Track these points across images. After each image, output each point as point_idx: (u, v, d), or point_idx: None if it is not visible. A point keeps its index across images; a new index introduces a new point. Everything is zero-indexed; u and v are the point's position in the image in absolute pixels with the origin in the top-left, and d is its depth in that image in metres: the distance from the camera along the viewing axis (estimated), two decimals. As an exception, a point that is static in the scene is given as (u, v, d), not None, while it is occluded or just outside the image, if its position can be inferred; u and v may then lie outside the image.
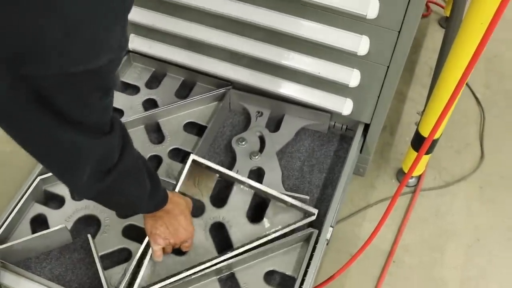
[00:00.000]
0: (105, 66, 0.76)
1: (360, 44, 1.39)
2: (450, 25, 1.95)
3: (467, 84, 2.10)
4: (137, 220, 1.42)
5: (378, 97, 1.52)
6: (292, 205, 1.46)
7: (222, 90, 1.70)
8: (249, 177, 1.54)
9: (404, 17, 1.30)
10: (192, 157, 1.49)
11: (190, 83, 1.77)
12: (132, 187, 1.06)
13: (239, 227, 1.44)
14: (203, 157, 1.54)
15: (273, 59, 1.53)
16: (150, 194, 1.13)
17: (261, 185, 1.48)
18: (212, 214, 1.47)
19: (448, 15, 2.24)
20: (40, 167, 1.49)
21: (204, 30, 1.57)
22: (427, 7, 2.41)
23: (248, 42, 1.54)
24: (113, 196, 1.05)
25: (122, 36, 0.76)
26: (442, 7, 2.41)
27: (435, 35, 2.31)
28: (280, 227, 1.44)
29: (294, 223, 1.44)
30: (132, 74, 1.79)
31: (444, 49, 1.80)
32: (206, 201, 1.49)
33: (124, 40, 0.78)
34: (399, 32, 1.33)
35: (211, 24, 1.55)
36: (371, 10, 1.30)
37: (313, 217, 1.44)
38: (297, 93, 1.61)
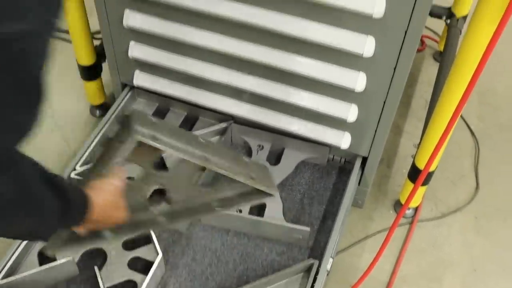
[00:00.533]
0: (14, 41, 0.55)
1: (358, 81, 1.44)
2: (444, 59, 2.02)
3: (461, 116, 2.16)
4: (142, 252, 1.46)
5: (376, 130, 1.57)
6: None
7: (223, 125, 1.75)
8: (251, 209, 1.58)
9: (399, 54, 1.36)
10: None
11: (192, 117, 1.82)
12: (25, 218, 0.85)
13: None
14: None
15: (273, 95, 1.59)
16: (62, 213, 0.90)
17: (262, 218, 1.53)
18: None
19: (442, 50, 2.31)
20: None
21: (206, 66, 1.63)
22: (422, 41, 2.48)
23: (248, 78, 1.60)
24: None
25: (45, 5, 0.59)
26: (436, 41, 2.49)
27: (430, 69, 2.37)
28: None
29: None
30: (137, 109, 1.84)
31: (439, 83, 1.87)
32: None
33: (53, 15, 0.60)
34: (394, 68, 1.39)
35: (212, 61, 1.61)
36: (368, 49, 1.36)
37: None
38: (296, 127, 1.66)
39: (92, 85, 1.99)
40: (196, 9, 1.46)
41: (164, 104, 1.84)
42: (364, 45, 1.36)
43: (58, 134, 2.07)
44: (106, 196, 1.05)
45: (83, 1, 1.74)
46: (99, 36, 1.78)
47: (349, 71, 1.44)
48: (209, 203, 1.29)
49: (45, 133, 2.06)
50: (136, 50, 1.67)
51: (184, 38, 1.56)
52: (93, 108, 2.10)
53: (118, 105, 1.80)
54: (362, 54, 1.37)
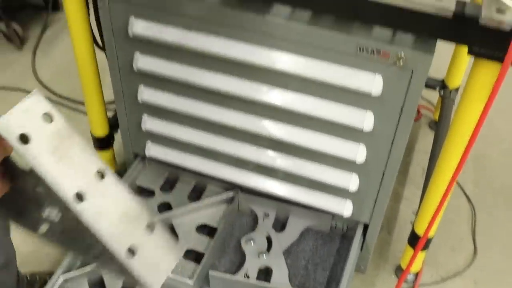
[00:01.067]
0: None
1: (358, 152, 1.54)
2: (439, 129, 2.13)
3: (457, 182, 2.25)
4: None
5: (376, 198, 1.65)
6: None
7: (230, 194, 1.84)
8: (258, 275, 1.64)
9: (397, 127, 1.46)
10: None
11: (201, 187, 1.91)
12: None
13: None
14: (216, 259, 1.64)
15: (277, 165, 1.68)
16: None
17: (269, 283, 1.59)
18: None
19: (437, 119, 2.42)
20: (63, 266, 1.60)
21: (214, 138, 1.72)
22: (418, 111, 2.59)
23: (253, 150, 1.70)
24: None
25: None
26: (431, 111, 2.60)
27: (426, 138, 2.48)
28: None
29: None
30: (147, 179, 1.93)
31: (435, 151, 1.97)
32: None
33: None
34: (393, 140, 1.49)
35: (220, 133, 1.71)
36: (367, 123, 1.46)
37: None
38: (300, 196, 1.74)
39: (104, 154, 2.08)
40: (206, 86, 1.57)
41: (173, 174, 1.93)
42: (364, 119, 1.46)
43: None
44: None
45: (99, 75, 1.85)
46: (112, 106, 1.89)
47: (350, 143, 1.54)
48: None
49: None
50: (149, 123, 1.77)
51: (195, 112, 1.66)
52: (104, 177, 2.18)
53: (130, 175, 1.89)
54: (362, 128, 1.47)
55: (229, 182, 1.82)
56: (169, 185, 1.92)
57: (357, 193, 1.65)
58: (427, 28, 1.23)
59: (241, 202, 1.85)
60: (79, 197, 0.83)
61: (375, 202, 1.67)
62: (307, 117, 1.52)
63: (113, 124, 2.03)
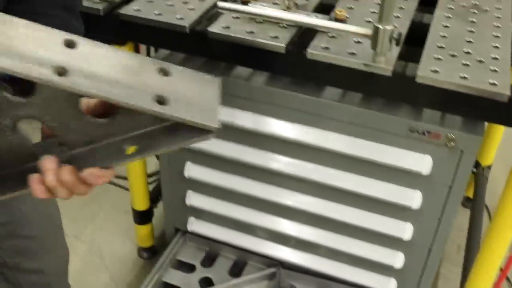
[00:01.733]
0: None
1: (405, 230, 1.55)
2: (475, 207, 2.14)
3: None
4: None
5: (420, 277, 1.65)
6: None
7: (272, 270, 1.84)
8: None
9: (444, 207, 1.48)
10: None
11: (242, 262, 1.91)
12: None
13: None
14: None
15: (320, 241, 1.69)
16: None
17: None
18: None
19: (470, 196, 2.43)
20: None
21: (256, 214, 1.75)
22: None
23: (295, 226, 1.71)
24: None
25: None
26: (462, 187, 2.61)
27: (459, 214, 2.48)
28: None
29: None
30: (188, 253, 1.94)
31: (473, 232, 1.98)
32: None
33: None
34: (439, 219, 1.51)
35: (263, 209, 1.73)
36: (415, 202, 1.48)
37: None
38: (343, 273, 1.74)
39: (144, 228, 2.10)
40: (252, 163, 1.61)
41: (214, 249, 1.94)
42: (412, 198, 1.48)
43: (107, 275, 2.15)
44: None
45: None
46: (151, 179, 1.92)
47: (396, 221, 1.56)
48: (117, 143, 0.83)
49: (94, 273, 2.14)
50: (193, 199, 1.80)
51: (239, 188, 1.69)
52: (141, 250, 2.20)
53: (171, 250, 1.90)
54: (410, 207, 1.49)
55: (271, 258, 1.83)
56: (209, 260, 1.93)
57: (402, 271, 1.65)
58: (480, 112, 1.27)
59: (283, 278, 1.85)
60: (59, 73, 0.72)
61: (419, 281, 1.67)
62: (354, 194, 1.55)
63: (154, 198, 2.06)
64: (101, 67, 0.75)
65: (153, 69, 0.80)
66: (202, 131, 0.79)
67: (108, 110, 0.80)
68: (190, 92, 0.80)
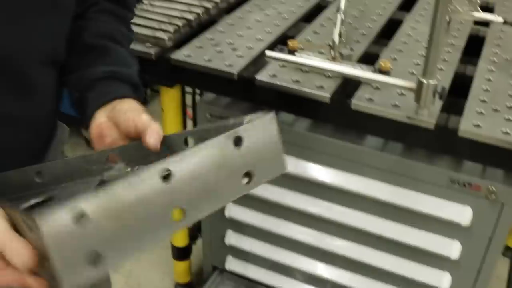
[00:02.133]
0: None
1: (443, 281, 1.55)
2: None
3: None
4: None
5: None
6: None
7: (308, 312, 1.85)
8: None
9: (483, 258, 1.48)
10: None
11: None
12: None
13: None
14: None
15: (356, 287, 1.70)
16: None
17: None
18: None
19: (510, 245, 2.39)
20: None
21: (292, 256, 1.77)
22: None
23: (332, 270, 1.73)
24: None
25: None
26: (501, 235, 2.57)
27: (497, 263, 2.44)
28: None
29: None
30: (225, 292, 1.97)
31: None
32: None
33: None
34: (478, 270, 1.51)
35: (299, 251, 1.75)
36: (454, 253, 1.49)
37: None
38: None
39: (182, 264, 2.13)
40: (292, 207, 1.64)
41: (251, 288, 1.97)
42: (451, 248, 1.49)
43: (144, 309, 2.19)
44: None
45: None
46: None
47: (435, 271, 1.56)
48: None
49: (132, 307, 2.19)
50: (233, 238, 1.84)
51: (279, 231, 1.72)
52: (178, 286, 2.23)
53: (209, 287, 1.93)
54: (449, 257, 1.50)
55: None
56: (246, 302, 1.95)
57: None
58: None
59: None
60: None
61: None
62: (393, 241, 1.56)
63: (193, 235, 2.10)
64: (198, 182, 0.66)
65: (230, 144, 0.69)
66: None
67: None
68: (261, 147, 0.72)
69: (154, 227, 0.62)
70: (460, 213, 1.43)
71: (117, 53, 0.96)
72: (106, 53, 0.94)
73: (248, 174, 0.70)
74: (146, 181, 0.61)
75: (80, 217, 0.57)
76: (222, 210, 1.78)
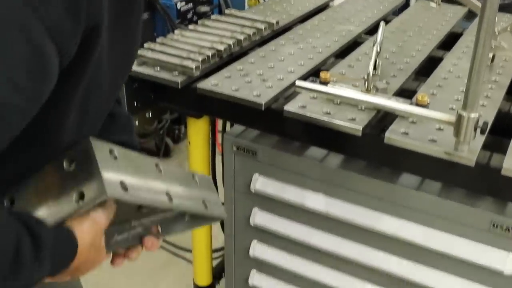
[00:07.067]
0: None
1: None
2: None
3: None
4: None
5: None
6: None
7: None
8: None
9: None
10: None
11: None
12: None
13: None
14: None
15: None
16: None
17: None
18: None
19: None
20: None
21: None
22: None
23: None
24: None
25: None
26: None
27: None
28: None
29: None
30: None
31: None
32: None
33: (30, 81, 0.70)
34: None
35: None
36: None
37: None
38: None
39: (205, 305, 2.05)
40: (320, 247, 1.55)
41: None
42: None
43: None
44: (90, 237, 0.85)
45: (211, 226, 1.87)
46: (216, 255, 1.88)
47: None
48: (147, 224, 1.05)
49: None
50: (257, 279, 1.74)
51: (306, 274, 1.62)
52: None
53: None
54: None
55: None
56: None
57: None
58: None
59: None
60: (169, 198, 0.95)
61: None
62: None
63: (217, 274, 2.01)
64: (178, 187, 1.00)
65: (191, 179, 1.08)
66: (216, 219, 1.20)
67: None
68: (209, 191, 1.12)
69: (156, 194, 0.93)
70: (502, 260, 1.31)
71: None
72: None
73: (205, 204, 1.06)
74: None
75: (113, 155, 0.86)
76: (246, 249, 1.70)
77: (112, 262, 1.01)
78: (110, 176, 0.82)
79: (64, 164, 0.84)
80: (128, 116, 1.17)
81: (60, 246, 0.81)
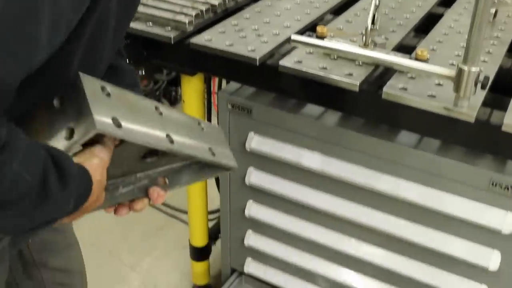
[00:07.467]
0: None
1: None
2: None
3: None
4: None
5: None
6: None
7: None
8: None
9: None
10: None
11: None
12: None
13: None
14: None
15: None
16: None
17: None
18: None
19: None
20: None
21: (315, 260, 1.65)
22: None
23: (357, 277, 1.60)
24: None
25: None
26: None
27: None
28: None
29: None
30: (243, 297, 1.86)
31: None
32: None
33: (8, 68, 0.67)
34: (519, 285, 1.37)
35: (322, 256, 1.63)
36: (493, 263, 1.35)
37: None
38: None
39: (200, 266, 2.04)
40: (317, 207, 1.52)
41: (271, 294, 1.85)
42: (490, 259, 1.35)
43: (160, 311, 2.10)
44: (98, 174, 0.84)
45: (206, 187, 1.85)
46: (212, 216, 1.87)
47: (470, 283, 1.42)
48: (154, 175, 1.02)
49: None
50: (252, 239, 1.73)
51: (302, 233, 1.60)
52: (196, 288, 2.13)
53: (226, 290, 1.83)
54: (487, 267, 1.36)
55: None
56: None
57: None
58: None
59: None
60: (170, 140, 0.89)
61: None
62: (425, 249, 1.43)
63: (213, 235, 2.00)
64: (180, 130, 0.95)
65: (196, 125, 1.03)
66: (225, 169, 1.07)
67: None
68: (218, 141, 1.06)
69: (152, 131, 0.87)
70: (501, 219, 1.29)
71: None
72: None
73: (212, 151, 1.00)
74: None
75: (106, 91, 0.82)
76: (242, 209, 1.68)
77: (115, 211, 0.97)
78: (101, 110, 0.78)
79: (55, 103, 0.81)
80: (132, 69, 1.13)
81: (81, 181, 0.80)
